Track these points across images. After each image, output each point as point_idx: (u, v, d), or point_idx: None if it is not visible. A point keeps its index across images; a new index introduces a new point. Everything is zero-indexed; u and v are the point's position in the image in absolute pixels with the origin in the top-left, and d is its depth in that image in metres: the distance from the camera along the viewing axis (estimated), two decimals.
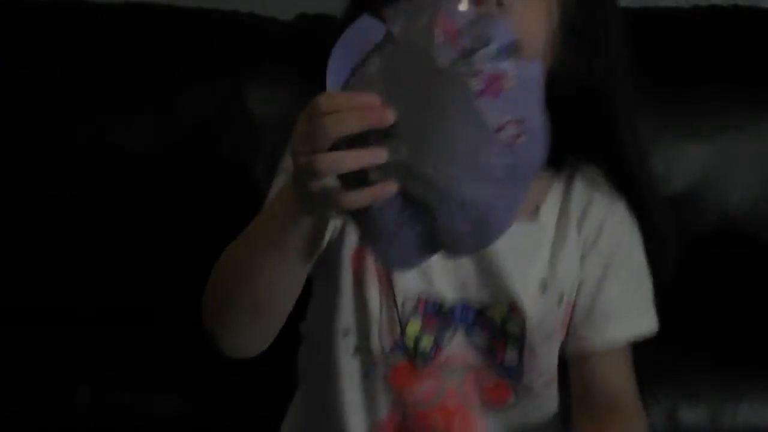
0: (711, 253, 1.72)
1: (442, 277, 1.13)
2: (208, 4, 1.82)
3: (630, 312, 1.17)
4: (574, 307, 1.16)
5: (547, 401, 1.18)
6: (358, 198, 0.88)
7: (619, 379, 1.16)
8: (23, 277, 1.75)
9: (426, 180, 0.83)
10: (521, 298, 1.13)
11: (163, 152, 1.73)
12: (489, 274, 1.13)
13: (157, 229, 1.72)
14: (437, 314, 1.13)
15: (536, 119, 0.81)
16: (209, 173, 1.72)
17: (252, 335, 1.08)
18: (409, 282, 1.12)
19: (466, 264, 1.12)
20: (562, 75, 1.05)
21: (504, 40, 0.80)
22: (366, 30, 0.82)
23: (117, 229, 1.73)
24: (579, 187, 1.16)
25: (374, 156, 0.86)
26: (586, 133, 1.10)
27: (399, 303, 1.13)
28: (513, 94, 0.78)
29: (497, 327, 1.14)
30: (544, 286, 1.14)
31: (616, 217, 1.16)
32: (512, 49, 0.81)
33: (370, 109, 0.85)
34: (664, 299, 1.68)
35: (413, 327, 1.13)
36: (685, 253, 1.71)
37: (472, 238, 0.88)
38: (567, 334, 1.17)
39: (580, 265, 1.15)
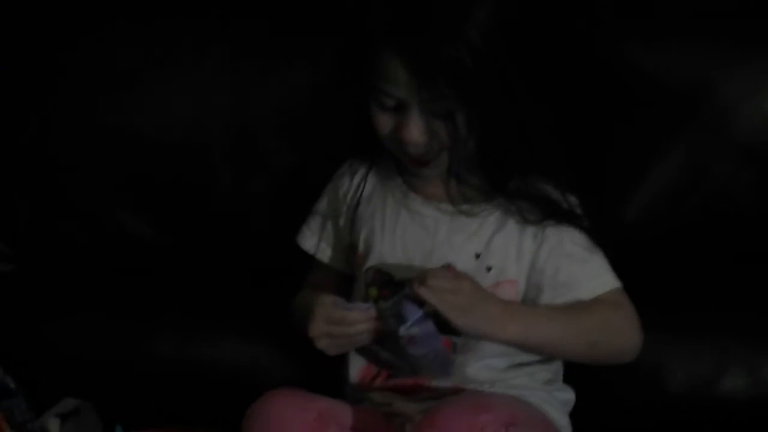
0: None
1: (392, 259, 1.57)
2: None
3: (586, 279, 1.52)
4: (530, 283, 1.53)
5: (486, 346, 1.52)
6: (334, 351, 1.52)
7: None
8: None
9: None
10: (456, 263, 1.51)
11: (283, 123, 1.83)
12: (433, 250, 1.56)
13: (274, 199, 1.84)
14: (387, 285, 1.53)
15: (437, 347, 1.46)
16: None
17: None
18: (371, 259, 1.58)
19: (414, 246, 1.56)
20: (492, 133, 1.47)
21: (412, 318, 1.43)
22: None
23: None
24: (519, 202, 1.53)
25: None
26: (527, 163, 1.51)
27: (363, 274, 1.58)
28: (421, 341, 1.45)
29: None
30: (477, 256, 1.53)
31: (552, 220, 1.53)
32: (418, 320, 1.43)
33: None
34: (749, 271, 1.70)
35: (372, 292, 1.52)
36: None
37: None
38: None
39: (528, 254, 1.53)
